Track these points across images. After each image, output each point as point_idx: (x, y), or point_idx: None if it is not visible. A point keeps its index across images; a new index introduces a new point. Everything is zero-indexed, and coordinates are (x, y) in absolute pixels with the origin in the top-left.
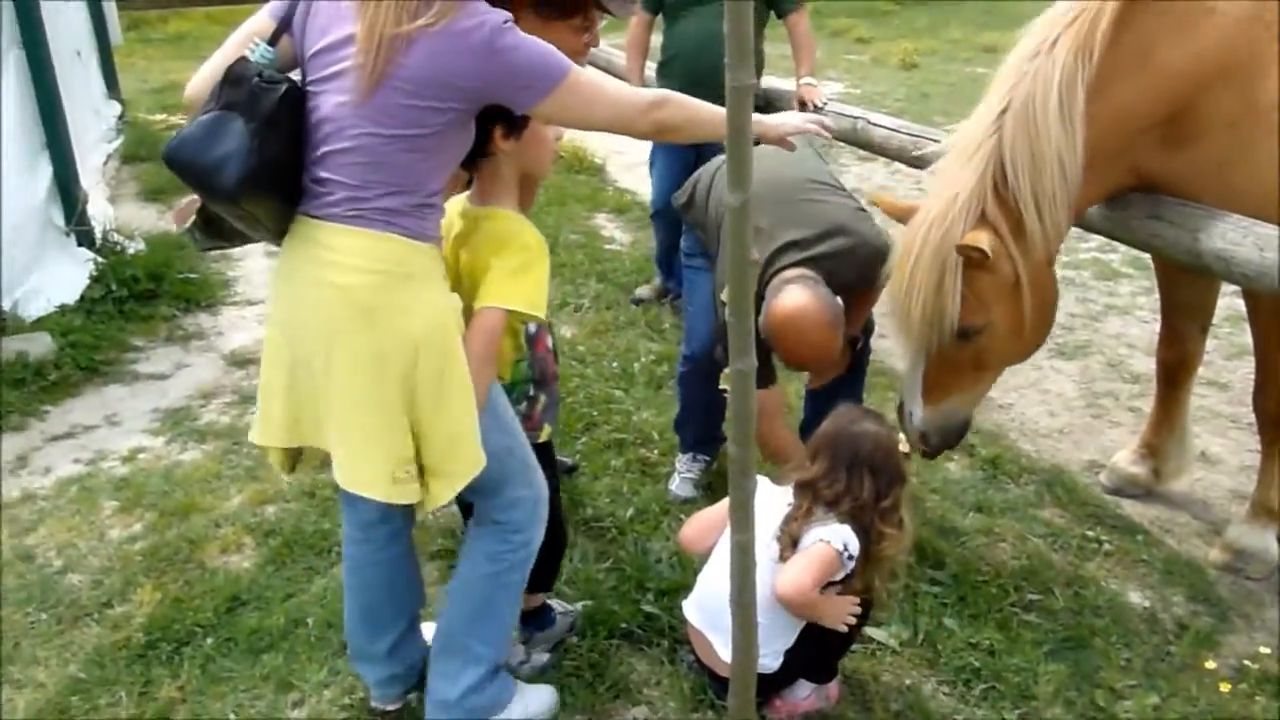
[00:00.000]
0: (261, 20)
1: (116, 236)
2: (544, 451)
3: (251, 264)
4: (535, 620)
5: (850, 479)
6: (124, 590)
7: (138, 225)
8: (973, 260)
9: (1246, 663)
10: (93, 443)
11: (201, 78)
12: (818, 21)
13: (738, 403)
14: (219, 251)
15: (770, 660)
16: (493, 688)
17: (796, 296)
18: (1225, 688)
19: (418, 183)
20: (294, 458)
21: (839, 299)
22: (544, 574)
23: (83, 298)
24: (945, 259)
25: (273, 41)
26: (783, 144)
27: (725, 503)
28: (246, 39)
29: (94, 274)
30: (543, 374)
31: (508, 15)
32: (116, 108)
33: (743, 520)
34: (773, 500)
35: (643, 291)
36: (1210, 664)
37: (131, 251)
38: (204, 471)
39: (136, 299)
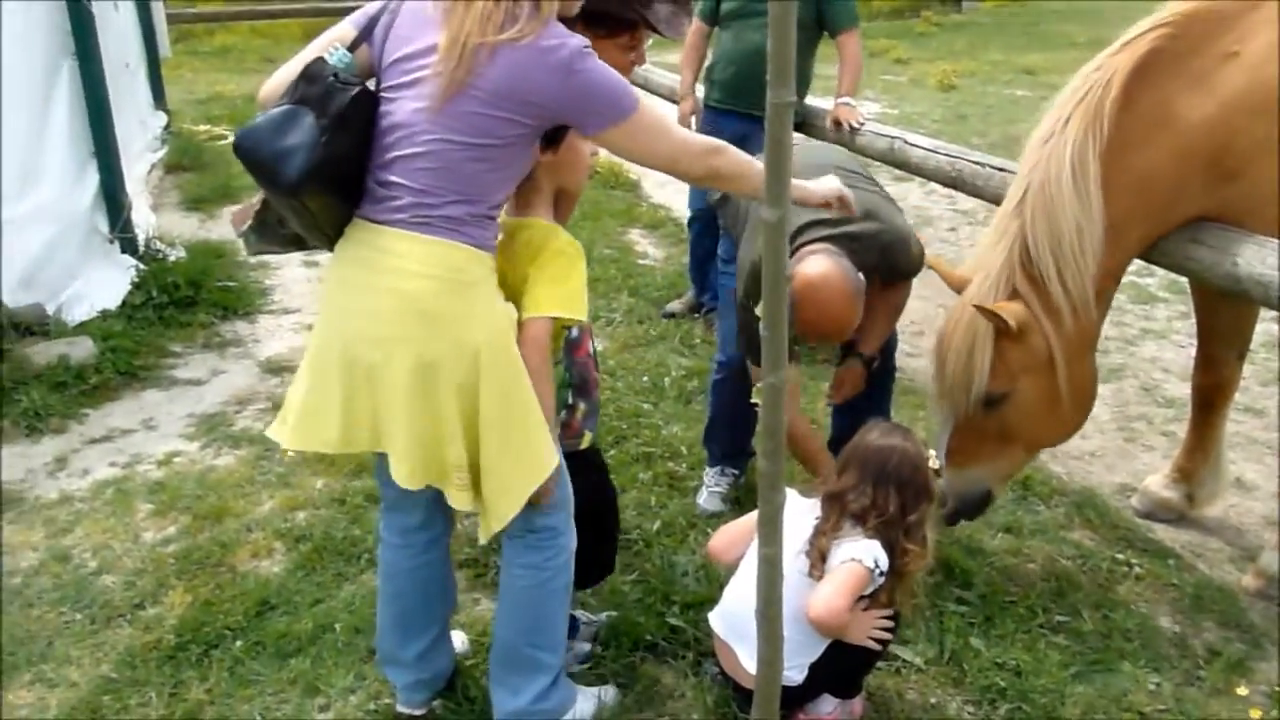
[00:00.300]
0: (343, 28)
1: (158, 244)
2: (589, 458)
3: (289, 273)
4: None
5: (877, 493)
6: (156, 592)
7: (179, 233)
8: (1003, 330)
9: (1278, 688)
10: (130, 446)
11: (278, 78)
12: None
13: (769, 416)
14: (258, 260)
15: (795, 673)
16: (558, 693)
17: (821, 264)
18: (1256, 714)
19: (482, 193)
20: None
21: (862, 276)
22: (600, 562)
23: (124, 303)
24: (977, 329)
25: (352, 49)
26: (824, 205)
27: (753, 515)
28: (327, 45)
29: (135, 280)
30: (584, 380)
31: (587, 41)
32: (162, 118)
33: (771, 534)
34: (800, 512)
35: (674, 305)
36: (1242, 690)
37: (172, 259)
38: (237, 477)
39: (176, 305)
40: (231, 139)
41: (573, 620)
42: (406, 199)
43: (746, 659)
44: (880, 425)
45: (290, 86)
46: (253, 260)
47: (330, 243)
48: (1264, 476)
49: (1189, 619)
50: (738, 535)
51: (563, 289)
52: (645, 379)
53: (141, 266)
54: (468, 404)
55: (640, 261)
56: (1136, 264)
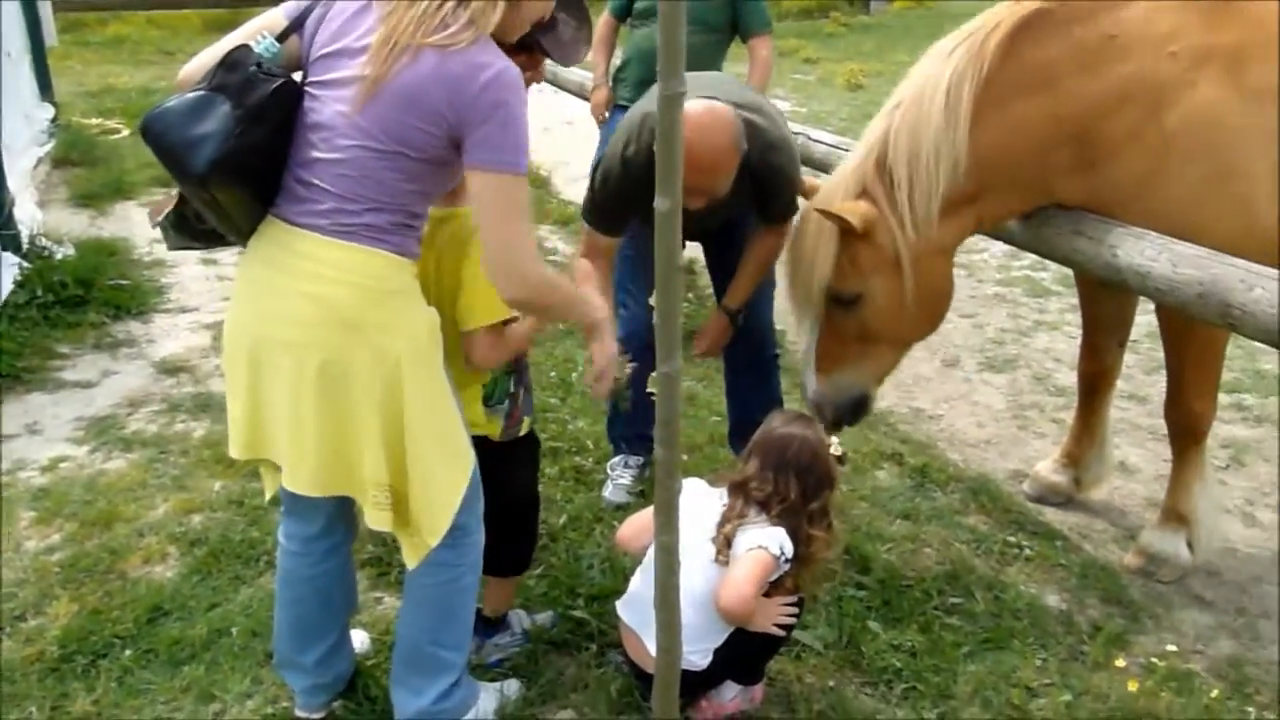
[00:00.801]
0: (274, 16)
1: (44, 241)
2: (527, 449)
3: (186, 271)
4: (491, 627)
5: (778, 480)
6: (39, 603)
7: (68, 230)
8: (849, 230)
9: (1154, 660)
10: (11, 452)
11: (199, 61)
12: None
13: (664, 406)
14: (153, 257)
15: (699, 658)
16: (461, 691)
17: (707, 104)
18: (1133, 685)
19: (402, 202)
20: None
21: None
22: (518, 557)
23: (6, 303)
24: (822, 226)
25: (281, 39)
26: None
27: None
28: (255, 32)
29: (19, 279)
30: (517, 361)
31: (520, 77)
32: (50, 110)
33: (667, 522)
34: (708, 500)
35: None
36: (1121, 662)
37: (60, 257)
38: (129, 480)
39: (64, 305)
40: (132, 128)
41: (504, 620)
42: (328, 204)
43: (652, 645)
44: (783, 414)
45: (209, 72)
46: (147, 258)
47: (244, 237)
48: (1146, 460)
49: (1075, 597)
50: (645, 523)
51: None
52: (553, 374)
53: (25, 265)
54: (390, 416)
55: (550, 258)
56: (1030, 258)
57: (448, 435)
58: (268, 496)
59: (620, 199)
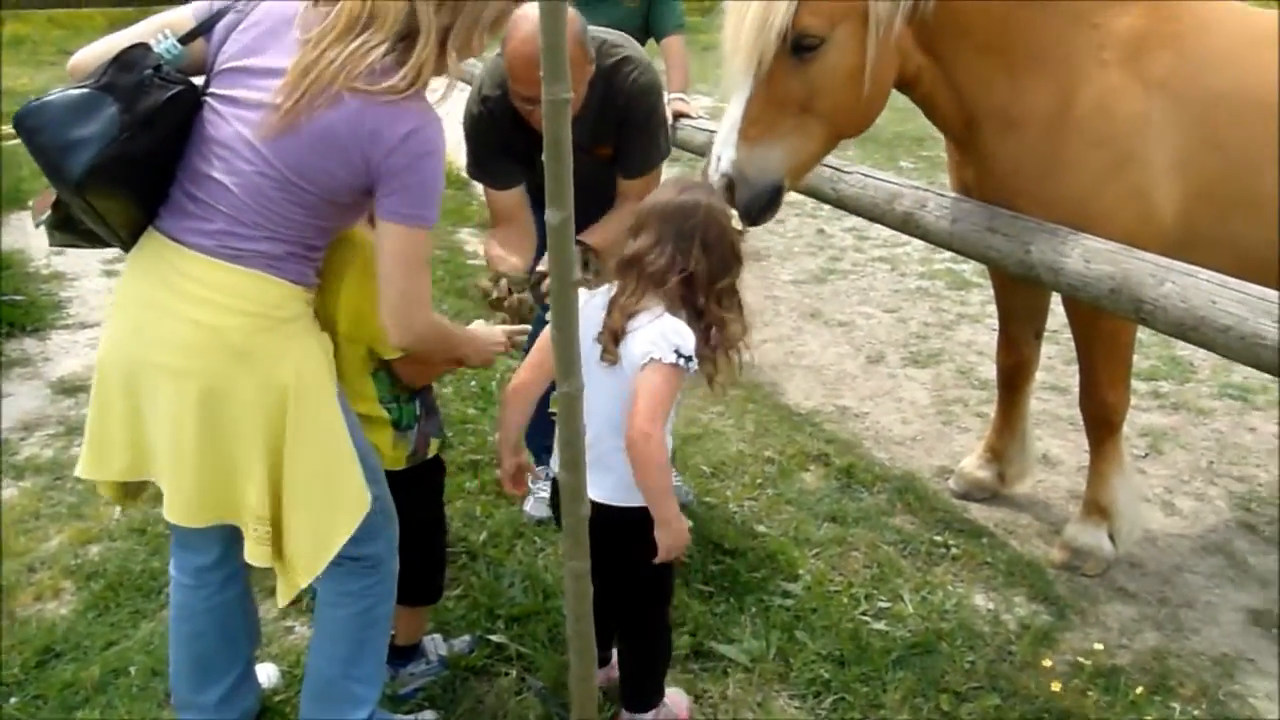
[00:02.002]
0: (181, 15)
1: None
2: (432, 472)
3: (87, 284)
4: (404, 656)
5: (677, 251)
6: None
7: None
8: None
9: (1080, 659)
10: None
11: (93, 51)
12: (691, 37)
13: (566, 427)
14: (51, 269)
15: (605, 490)
16: None
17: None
18: (1056, 686)
19: (298, 235)
20: (133, 490)
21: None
22: (430, 585)
23: None
24: None
25: (185, 40)
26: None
27: (544, 338)
28: (158, 29)
29: None
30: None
31: (443, 129)
32: None
33: (575, 546)
34: (594, 309)
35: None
36: (1047, 662)
37: None
38: (20, 511)
39: None
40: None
41: (418, 649)
42: (217, 224)
43: (591, 487)
44: (677, 181)
45: (101, 68)
46: (45, 270)
47: (125, 245)
48: (1068, 452)
49: (1002, 595)
50: (538, 360)
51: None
52: (473, 384)
53: None
54: (272, 448)
55: (470, 262)
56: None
57: (334, 473)
58: (116, 513)
59: (489, 143)
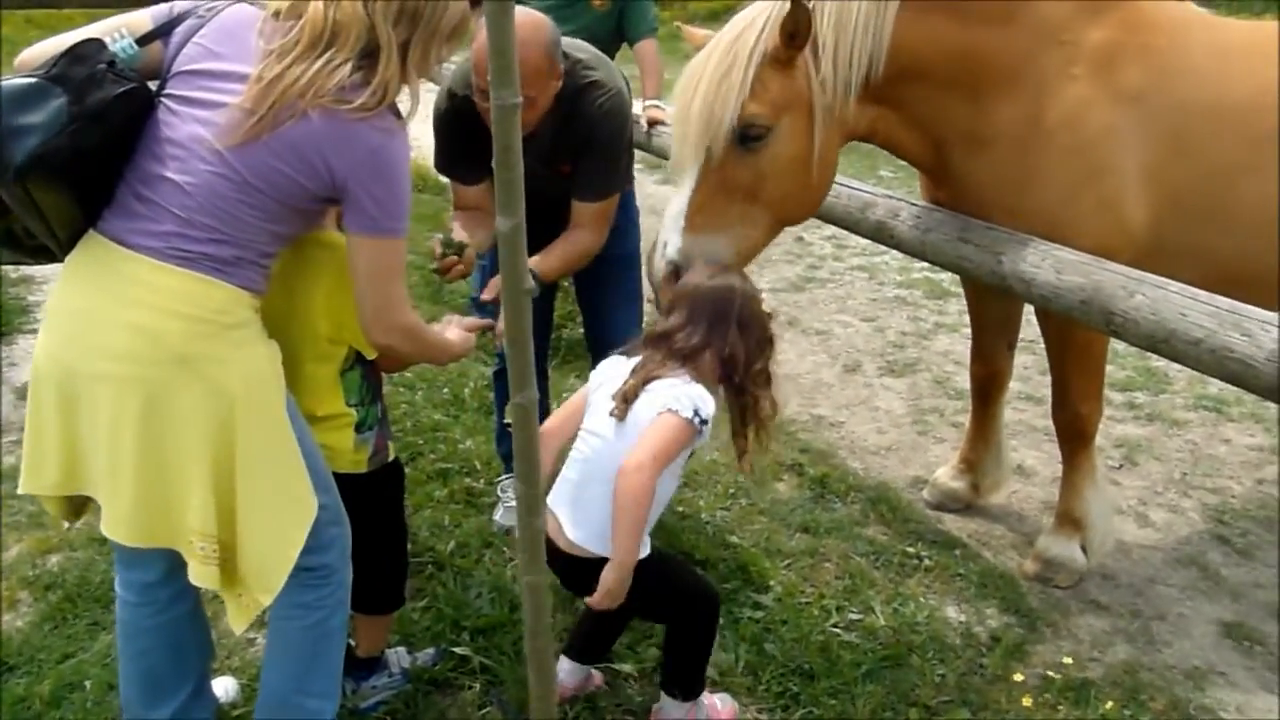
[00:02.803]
0: (138, 17)
1: None
2: (391, 477)
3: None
4: (366, 669)
5: (712, 333)
6: None
7: None
8: (771, 57)
9: (1051, 673)
10: None
11: (42, 47)
12: (669, 44)
13: (521, 438)
14: (19, 273)
15: (586, 532)
16: None
17: (518, 8)
18: (1027, 700)
19: (251, 239)
20: (77, 506)
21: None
22: (391, 593)
23: None
24: (739, 51)
25: (142, 42)
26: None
27: (582, 392)
28: (114, 28)
29: None
30: (377, 384)
31: (409, 142)
32: None
33: (532, 561)
34: (622, 372)
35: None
36: (1019, 676)
37: None
38: None
39: None
40: None
41: (380, 660)
42: (167, 225)
43: (569, 526)
44: (709, 268)
45: (51, 59)
46: (13, 274)
47: (61, 250)
48: (1043, 463)
49: (973, 607)
50: (571, 411)
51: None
52: (445, 391)
53: None
54: (221, 460)
55: None
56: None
57: (286, 482)
58: (66, 527)
59: (455, 138)
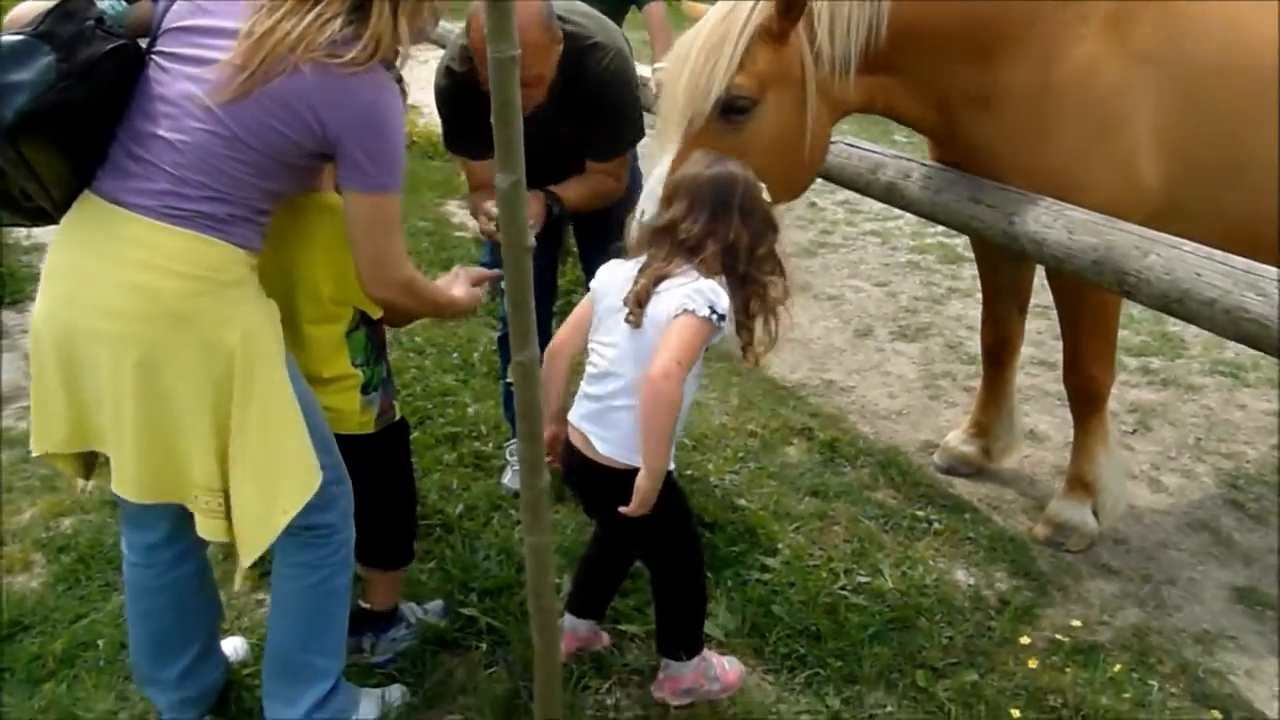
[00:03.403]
0: None
1: None
2: (398, 438)
3: None
4: (380, 623)
5: (715, 220)
6: None
7: None
8: (763, 30)
9: (1059, 636)
10: None
11: (32, 4)
12: (678, 10)
13: (523, 398)
14: (31, 239)
15: (617, 446)
16: (338, 699)
17: None
18: (1033, 663)
19: (245, 196)
20: (88, 463)
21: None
22: (401, 548)
23: None
24: (731, 23)
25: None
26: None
27: (586, 303)
28: None
29: None
30: (381, 344)
31: (401, 98)
32: None
33: (535, 521)
34: (625, 276)
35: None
36: (1026, 639)
37: None
38: None
39: None
40: None
41: (396, 614)
42: (161, 184)
43: (598, 441)
44: (705, 156)
45: (39, 16)
46: (25, 241)
47: (58, 211)
48: (1055, 427)
49: (983, 570)
50: (578, 320)
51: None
52: (455, 355)
53: None
54: (220, 416)
55: (456, 234)
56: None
57: (282, 443)
58: (81, 486)
59: (459, 115)
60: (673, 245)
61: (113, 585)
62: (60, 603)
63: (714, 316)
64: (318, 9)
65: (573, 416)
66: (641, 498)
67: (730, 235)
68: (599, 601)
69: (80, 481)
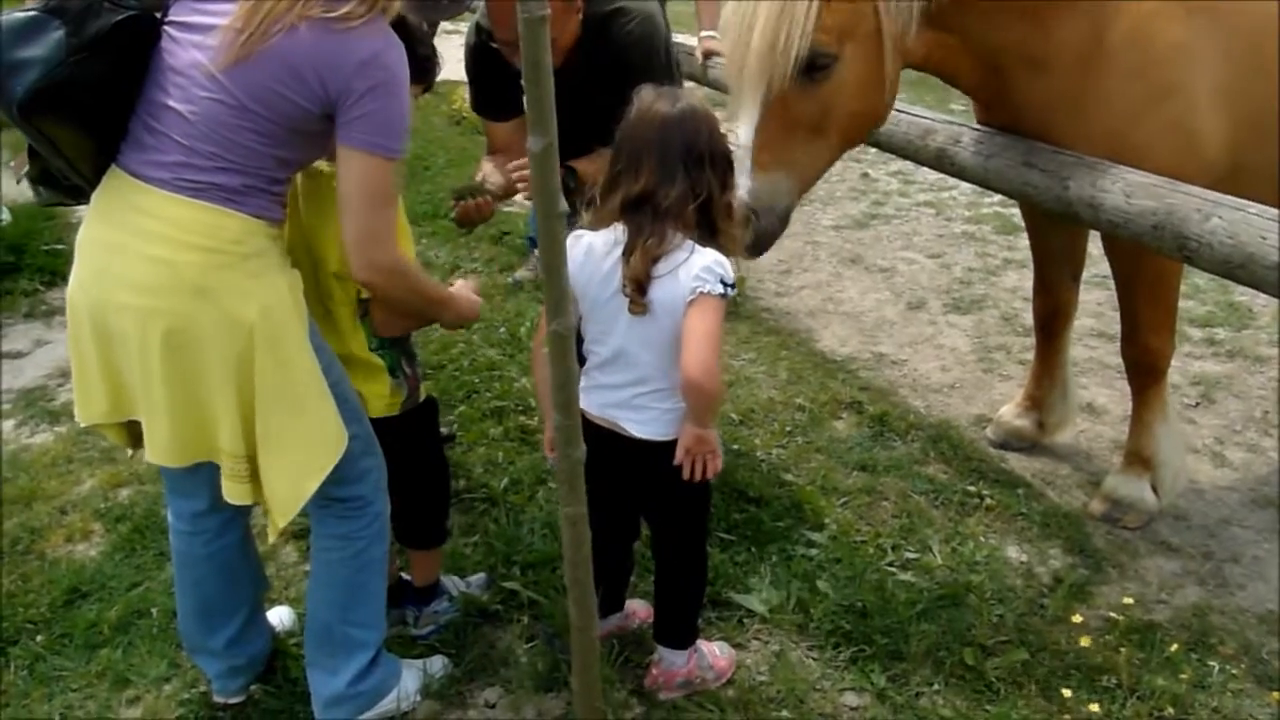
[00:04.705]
0: None
1: None
2: (424, 418)
3: None
4: (423, 596)
5: (690, 178)
6: None
7: (7, 196)
8: None
9: (1115, 614)
10: None
11: None
12: None
13: (559, 369)
14: (77, 219)
15: (657, 427)
16: (379, 670)
17: None
18: (1086, 642)
19: (258, 165)
20: (137, 433)
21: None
22: (435, 528)
23: None
24: None
25: None
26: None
27: None
28: None
29: None
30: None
31: (404, 58)
32: None
33: (571, 493)
34: (603, 255)
35: (522, 273)
36: (1078, 618)
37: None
38: (53, 455)
39: None
40: None
41: (438, 587)
42: (174, 156)
43: (635, 428)
44: (651, 92)
45: None
46: (75, 220)
47: (89, 183)
48: (1114, 401)
49: (1036, 548)
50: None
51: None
52: (502, 330)
53: None
54: (243, 385)
55: (505, 209)
56: (1002, 195)
57: (306, 411)
58: (130, 454)
59: (484, 75)
60: (654, 216)
61: (166, 555)
62: (117, 571)
63: (727, 289)
64: None
65: (591, 405)
66: (696, 435)
67: (705, 190)
68: (616, 597)
69: (130, 450)
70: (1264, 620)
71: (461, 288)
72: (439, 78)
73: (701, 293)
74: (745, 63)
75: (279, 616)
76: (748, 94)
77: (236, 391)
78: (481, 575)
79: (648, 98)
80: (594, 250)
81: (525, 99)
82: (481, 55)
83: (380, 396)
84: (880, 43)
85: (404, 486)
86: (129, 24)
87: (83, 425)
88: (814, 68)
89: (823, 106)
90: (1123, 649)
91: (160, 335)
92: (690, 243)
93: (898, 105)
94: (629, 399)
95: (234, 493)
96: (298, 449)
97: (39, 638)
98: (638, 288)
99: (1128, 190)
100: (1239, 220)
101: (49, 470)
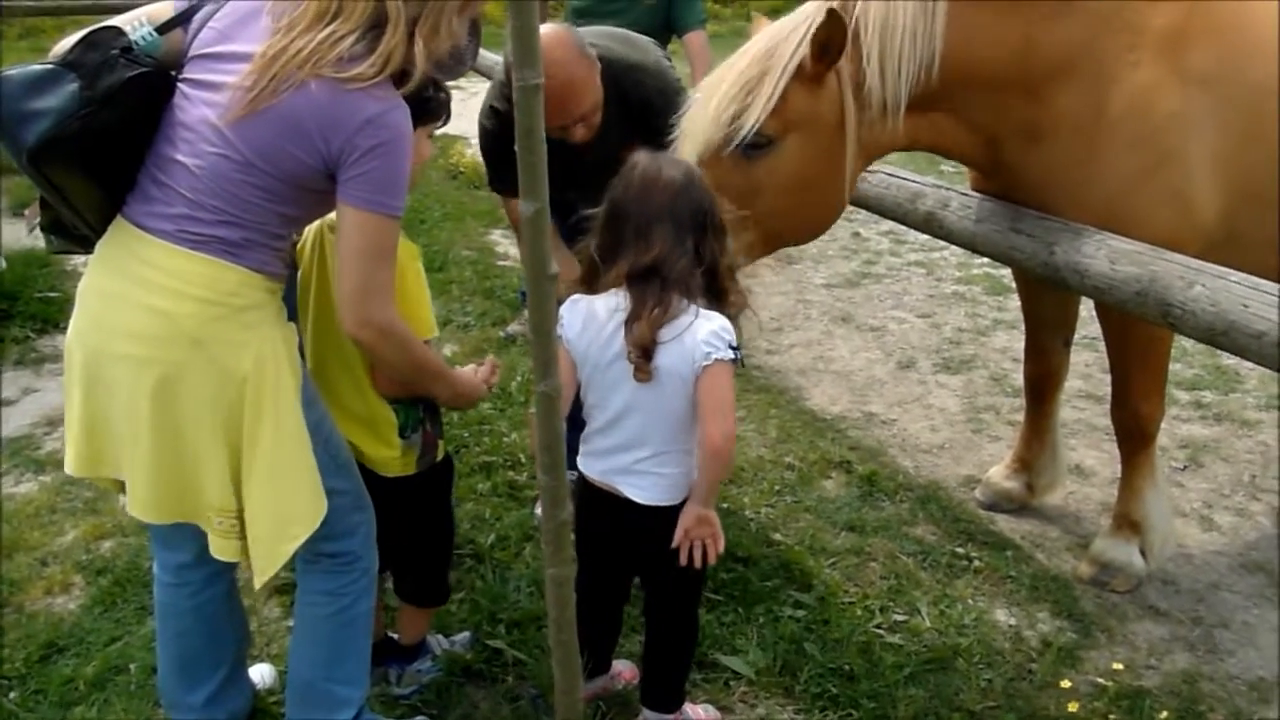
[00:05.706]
0: (161, 7)
1: None
2: (442, 469)
3: None
4: (409, 654)
5: (698, 244)
6: None
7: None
8: (803, 72)
9: (1103, 680)
10: None
11: (72, 39)
12: (722, 26)
13: (544, 430)
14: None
15: (660, 491)
16: None
17: (553, 28)
18: (1074, 708)
19: (258, 220)
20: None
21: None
22: (438, 587)
23: None
24: (775, 57)
25: (163, 30)
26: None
27: (563, 357)
28: (136, 17)
29: None
30: None
31: (407, 119)
32: None
33: (557, 553)
34: (604, 311)
35: (515, 327)
36: (1067, 683)
37: None
38: (36, 505)
39: None
40: None
41: (423, 645)
42: (178, 208)
43: (638, 494)
44: (649, 157)
45: (69, 47)
46: (83, 268)
47: (95, 232)
48: (1102, 463)
49: (1024, 611)
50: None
51: (417, 313)
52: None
53: None
54: (233, 440)
55: (499, 263)
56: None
57: (291, 469)
58: (121, 502)
59: (503, 154)
60: (663, 285)
61: (147, 609)
62: (96, 625)
63: (736, 353)
64: (332, 27)
65: (592, 470)
66: (697, 515)
67: (710, 255)
68: (603, 659)
69: (121, 496)
70: (1254, 687)
71: (470, 370)
72: (438, 130)
73: (716, 359)
74: (692, 127)
75: (260, 674)
76: (685, 150)
77: (225, 444)
78: (466, 634)
79: (650, 165)
80: (595, 315)
81: (519, 165)
82: (498, 136)
83: (391, 459)
84: (839, 138)
85: (413, 544)
86: (142, 79)
87: (71, 474)
88: (750, 145)
89: (752, 187)
90: (1111, 716)
91: (152, 385)
92: (694, 306)
93: (887, 169)
94: (630, 464)
95: (222, 549)
96: (280, 505)
97: (13, 694)
98: (643, 354)
99: (1112, 256)
100: (1220, 288)
101: (32, 520)
